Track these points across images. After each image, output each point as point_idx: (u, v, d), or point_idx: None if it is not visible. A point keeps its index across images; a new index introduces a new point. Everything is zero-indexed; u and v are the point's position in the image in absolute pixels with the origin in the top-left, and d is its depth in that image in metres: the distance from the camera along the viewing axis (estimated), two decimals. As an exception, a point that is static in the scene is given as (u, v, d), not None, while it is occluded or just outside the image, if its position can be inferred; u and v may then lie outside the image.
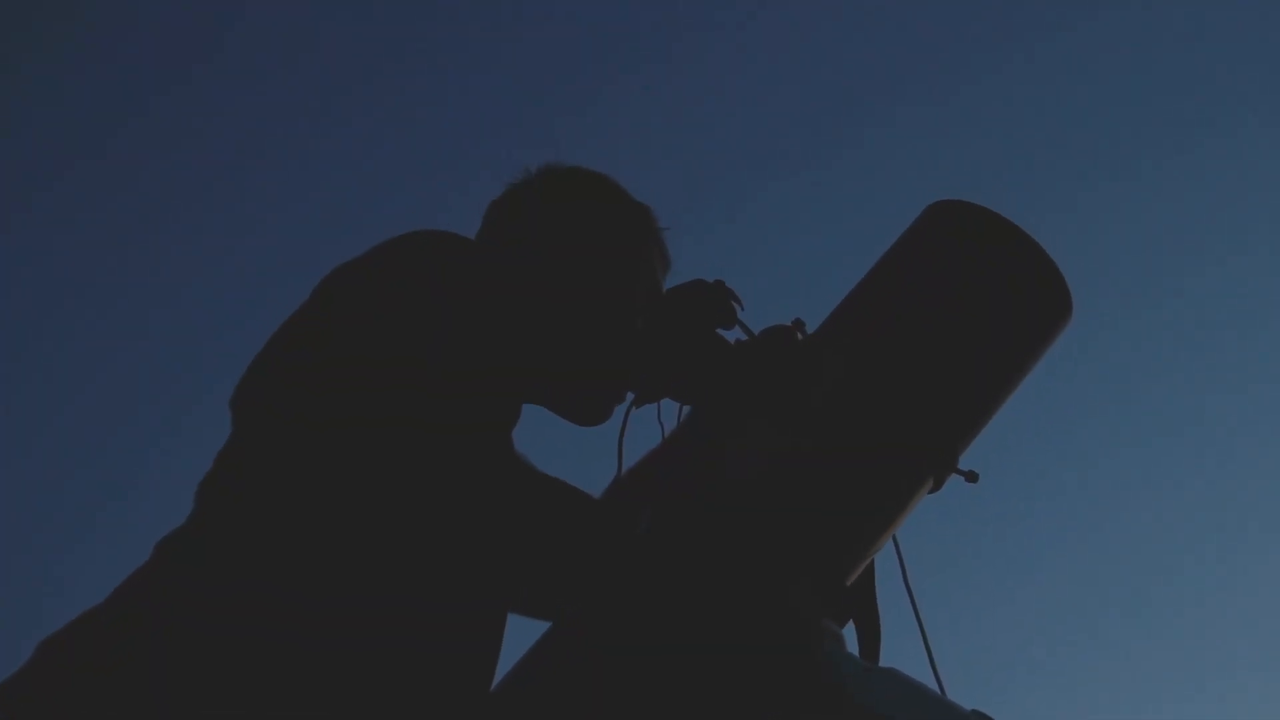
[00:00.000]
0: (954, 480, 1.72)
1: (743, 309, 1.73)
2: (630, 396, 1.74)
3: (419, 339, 1.49)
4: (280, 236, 5.76)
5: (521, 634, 1.66)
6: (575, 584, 1.62)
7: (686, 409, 1.73)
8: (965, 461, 1.71)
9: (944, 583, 5.07)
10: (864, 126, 5.86)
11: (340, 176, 5.85)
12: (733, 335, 1.75)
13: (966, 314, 1.69)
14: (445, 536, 1.49)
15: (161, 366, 5.64)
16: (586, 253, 1.80)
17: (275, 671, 1.38)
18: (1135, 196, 5.76)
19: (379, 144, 5.85)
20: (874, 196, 5.62)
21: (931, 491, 1.70)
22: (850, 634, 1.67)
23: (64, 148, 5.57)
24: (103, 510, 5.43)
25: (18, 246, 5.61)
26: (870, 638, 1.68)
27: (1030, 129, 5.83)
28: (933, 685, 1.63)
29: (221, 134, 5.71)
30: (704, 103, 5.95)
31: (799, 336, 1.68)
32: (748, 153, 5.91)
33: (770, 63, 5.92)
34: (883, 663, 1.65)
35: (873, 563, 1.71)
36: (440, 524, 1.49)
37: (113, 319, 5.71)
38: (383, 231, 1.60)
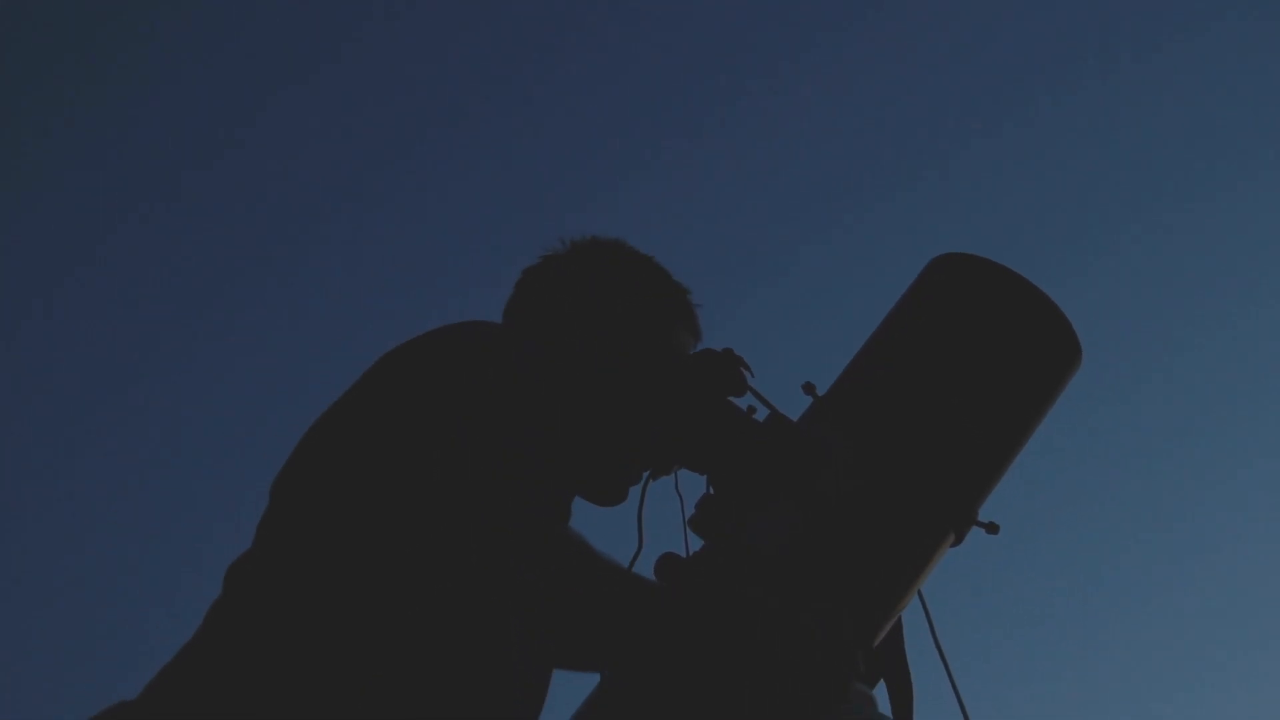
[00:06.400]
0: (976, 531, 1.71)
1: (753, 376, 1.74)
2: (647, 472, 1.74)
3: (478, 431, 1.49)
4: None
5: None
6: (620, 645, 1.62)
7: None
8: (985, 512, 1.71)
9: (976, 635, 5.03)
10: (873, 194, 5.90)
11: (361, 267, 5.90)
12: (744, 402, 1.76)
13: (975, 367, 1.69)
14: (490, 599, 1.49)
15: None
16: (631, 332, 1.81)
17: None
18: (1144, 240, 5.77)
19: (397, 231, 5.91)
20: (882, 256, 5.64)
21: (953, 545, 1.70)
22: (882, 693, 1.66)
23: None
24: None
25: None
26: (902, 698, 1.66)
27: (1040, 175, 5.86)
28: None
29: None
30: (713, 172, 6.00)
31: (811, 399, 1.69)
32: (755, 221, 5.95)
33: (772, 131, 5.97)
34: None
35: (901, 621, 1.70)
36: (485, 589, 1.49)
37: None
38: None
